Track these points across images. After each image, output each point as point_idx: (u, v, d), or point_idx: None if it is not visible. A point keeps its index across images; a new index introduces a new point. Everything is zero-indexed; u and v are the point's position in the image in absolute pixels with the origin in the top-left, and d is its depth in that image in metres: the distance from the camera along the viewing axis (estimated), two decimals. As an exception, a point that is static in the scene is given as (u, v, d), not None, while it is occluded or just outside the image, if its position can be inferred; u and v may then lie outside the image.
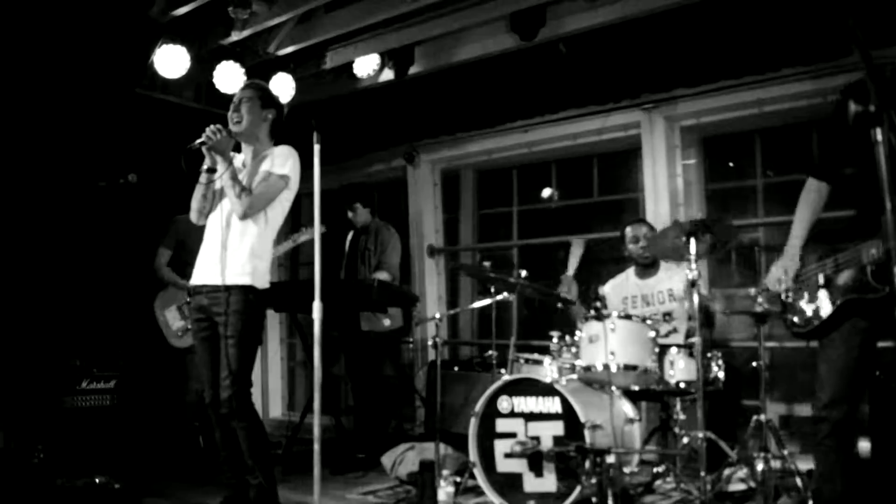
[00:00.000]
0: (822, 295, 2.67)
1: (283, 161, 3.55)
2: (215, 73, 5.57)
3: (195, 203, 3.62)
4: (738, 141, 5.58)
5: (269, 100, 3.73)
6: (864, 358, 2.66)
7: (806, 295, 2.73)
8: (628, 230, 4.71)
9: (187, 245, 4.76)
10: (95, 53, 5.31)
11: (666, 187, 5.36)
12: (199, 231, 3.71)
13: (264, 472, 3.39)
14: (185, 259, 4.68)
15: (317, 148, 3.27)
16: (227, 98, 5.81)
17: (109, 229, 5.47)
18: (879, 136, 1.67)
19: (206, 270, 3.53)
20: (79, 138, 5.38)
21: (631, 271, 4.74)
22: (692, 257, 3.71)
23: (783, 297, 2.84)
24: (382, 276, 5.20)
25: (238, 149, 3.70)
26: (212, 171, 3.49)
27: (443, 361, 4.60)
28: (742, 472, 3.80)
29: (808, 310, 2.70)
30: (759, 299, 3.75)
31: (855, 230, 2.65)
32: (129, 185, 4.53)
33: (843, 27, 1.71)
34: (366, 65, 5.79)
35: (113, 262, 5.55)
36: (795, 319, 2.76)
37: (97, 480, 4.29)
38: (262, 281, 3.50)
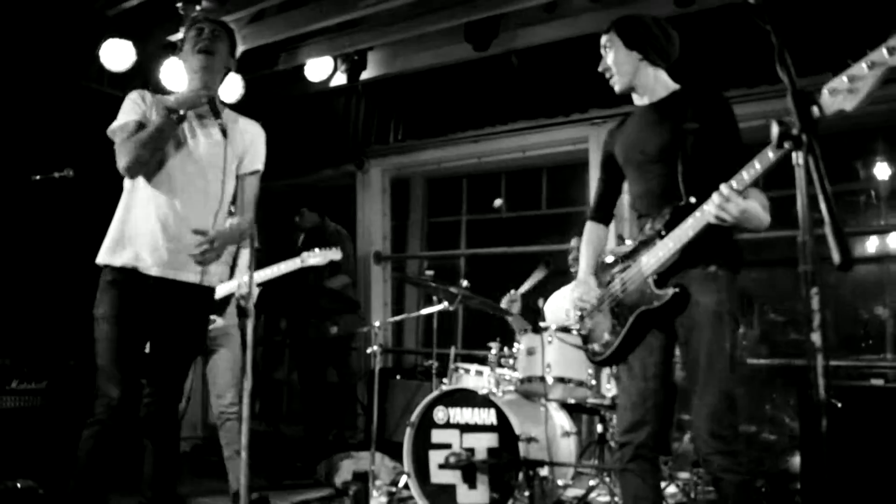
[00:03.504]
0: (615, 317, 2.70)
1: (261, 152, 3.11)
2: (162, 69, 5.47)
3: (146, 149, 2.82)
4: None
5: (233, 47, 3.14)
6: (664, 374, 2.61)
7: (603, 320, 2.75)
8: (573, 241, 4.73)
9: None
10: (38, 44, 5.18)
11: (612, 202, 5.39)
12: None
13: None
14: None
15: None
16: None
17: (44, 225, 5.32)
18: (800, 160, 1.68)
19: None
20: (17, 130, 5.22)
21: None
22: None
23: (579, 329, 2.87)
24: (339, 281, 5.16)
25: None
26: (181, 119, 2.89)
27: (385, 369, 4.58)
28: (674, 486, 3.83)
29: (605, 335, 2.71)
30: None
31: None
32: (66, 179, 4.40)
33: (775, 49, 1.71)
34: (318, 68, 5.74)
35: (49, 260, 5.40)
36: (596, 348, 2.76)
37: (19, 485, 4.14)
38: None
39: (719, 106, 2.63)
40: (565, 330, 3.94)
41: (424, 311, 4.60)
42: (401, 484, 3.92)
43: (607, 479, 3.99)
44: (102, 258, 2.88)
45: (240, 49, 5.51)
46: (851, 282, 5.20)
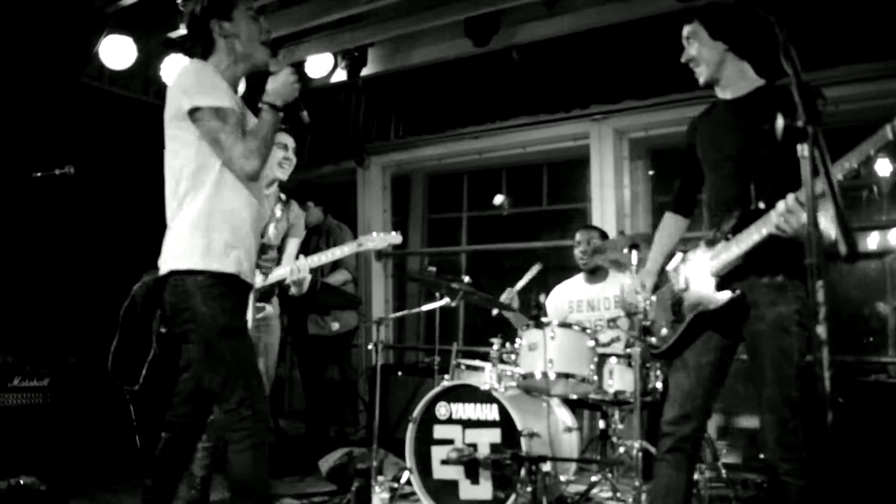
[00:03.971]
0: (674, 313, 2.70)
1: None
2: (162, 66, 5.47)
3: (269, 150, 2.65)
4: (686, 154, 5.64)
5: None
6: (715, 376, 2.63)
7: (662, 315, 2.76)
8: (578, 234, 4.73)
9: None
10: (37, 40, 5.17)
11: (613, 198, 5.40)
12: None
13: None
14: None
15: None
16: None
17: (45, 222, 5.31)
18: (806, 152, 1.68)
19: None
20: (17, 128, 5.21)
21: (581, 276, 4.76)
22: (633, 269, 3.73)
23: (643, 320, 2.87)
24: (341, 276, 5.16)
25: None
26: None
27: (387, 366, 4.58)
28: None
29: (664, 330, 2.72)
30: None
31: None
32: (67, 176, 4.40)
33: (777, 42, 1.71)
34: (318, 64, 5.74)
35: (50, 256, 5.40)
36: (654, 341, 2.77)
37: (22, 482, 4.14)
38: None
39: None
40: (566, 325, 3.93)
41: (426, 308, 4.60)
42: (403, 480, 3.92)
43: (609, 475, 3.99)
44: (208, 263, 2.49)
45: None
46: (853, 277, 5.19)
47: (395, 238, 4.13)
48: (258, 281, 3.65)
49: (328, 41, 5.59)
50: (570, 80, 5.24)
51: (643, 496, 3.59)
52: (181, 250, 2.50)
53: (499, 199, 6.46)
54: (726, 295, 2.47)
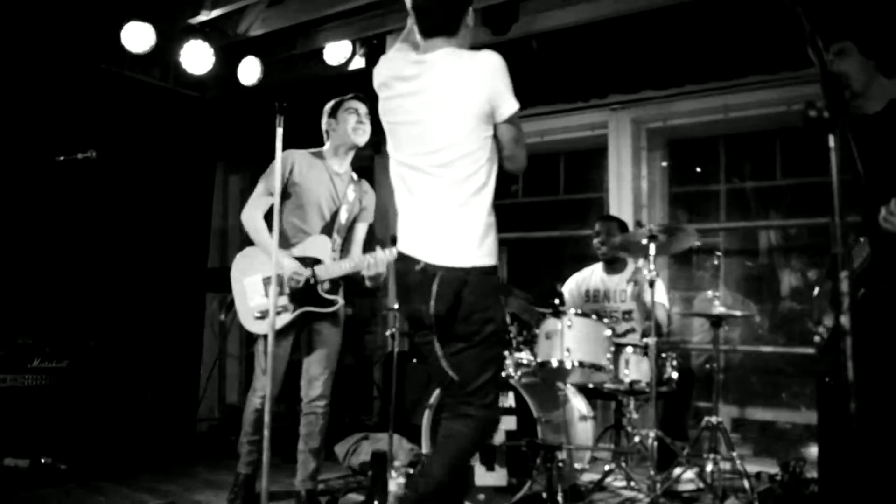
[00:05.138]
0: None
1: None
2: (182, 53, 5.49)
3: None
4: (704, 145, 5.63)
5: None
6: None
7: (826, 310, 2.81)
8: (596, 225, 4.74)
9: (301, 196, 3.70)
10: (58, 26, 5.21)
11: (630, 188, 5.39)
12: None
13: None
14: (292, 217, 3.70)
15: (279, 132, 3.21)
16: (195, 78, 5.84)
17: (67, 206, 5.37)
18: (832, 143, 1.68)
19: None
20: (38, 111, 5.27)
21: (599, 266, 4.77)
22: (651, 258, 3.75)
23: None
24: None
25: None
26: None
27: (403, 353, 4.59)
28: (691, 472, 3.84)
29: (824, 325, 2.78)
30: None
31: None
32: (89, 160, 4.44)
33: (801, 33, 1.71)
34: (337, 51, 5.73)
35: (72, 240, 5.46)
36: (816, 339, 2.82)
37: (42, 461, 4.22)
38: None
39: None
40: (584, 315, 3.94)
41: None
42: (419, 465, 3.95)
43: (623, 464, 4.01)
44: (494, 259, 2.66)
45: (258, 31, 5.54)
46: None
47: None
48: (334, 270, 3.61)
49: (347, 28, 5.59)
50: (588, 69, 5.23)
51: (657, 485, 3.63)
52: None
53: (512, 188, 6.47)
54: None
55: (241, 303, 3.71)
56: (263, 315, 3.57)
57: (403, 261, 2.64)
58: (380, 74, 2.72)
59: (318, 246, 3.65)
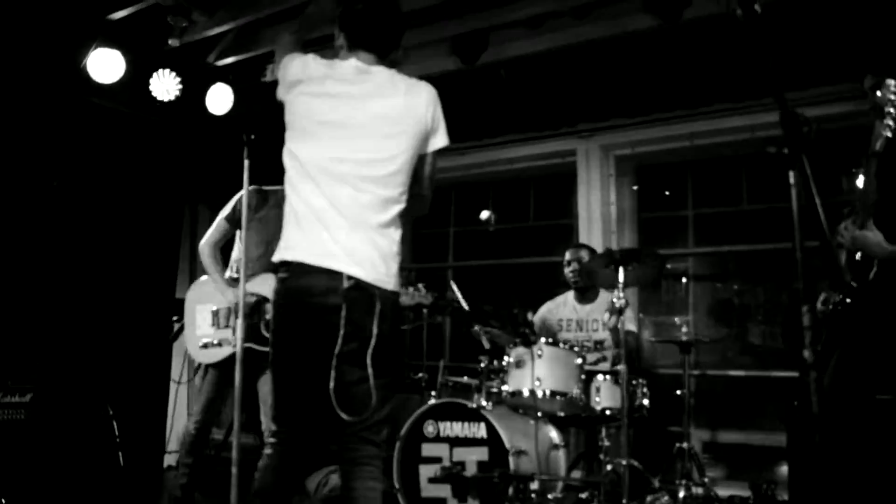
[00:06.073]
0: None
1: None
2: (152, 81, 5.45)
3: None
4: (671, 172, 5.70)
5: None
6: None
7: None
8: (567, 253, 4.75)
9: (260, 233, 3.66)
10: (24, 52, 5.14)
11: (599, 214, 5.44)
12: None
13: None
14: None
15: (246, 163, 3.19)
16: (163, 106, 5.79)
17: (30, 235, 5.27)
18: (792, 179, 1.71)
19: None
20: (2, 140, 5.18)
21: (570, 295, 4.78)
22: (620, 285, 3.77)
23: None
24: None
25: None
26: None
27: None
28: (664, 498, 3.84)
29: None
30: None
31: None
32: (53, 189, 4.37)
33: (763, 69, 1.75)
34: (306, 80, 5.72)
35: (35, 270, 5.35)
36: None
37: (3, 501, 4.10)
38: None
39: None
40: (554, 343, 3.95)
41: (414, 325, 4.60)
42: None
43: (597, 493, 3.99)
44: None
45: (229, 60, 5.52)
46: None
47: (425, 298, 4.13)
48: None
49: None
50: (557, 97, 5.28)
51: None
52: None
53: (485, 214, 6.49)
54: None
55: (190, 331, 3.76)
56: (207, 345, 3.64)
57: (314, 274, 2.34)
58: (306, 68, 2.53)
59: (266, 283, 3.51)
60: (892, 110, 2.72)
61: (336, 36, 2.61)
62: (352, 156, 2.42)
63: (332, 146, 2.44)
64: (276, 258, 2.46)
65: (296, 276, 2.37)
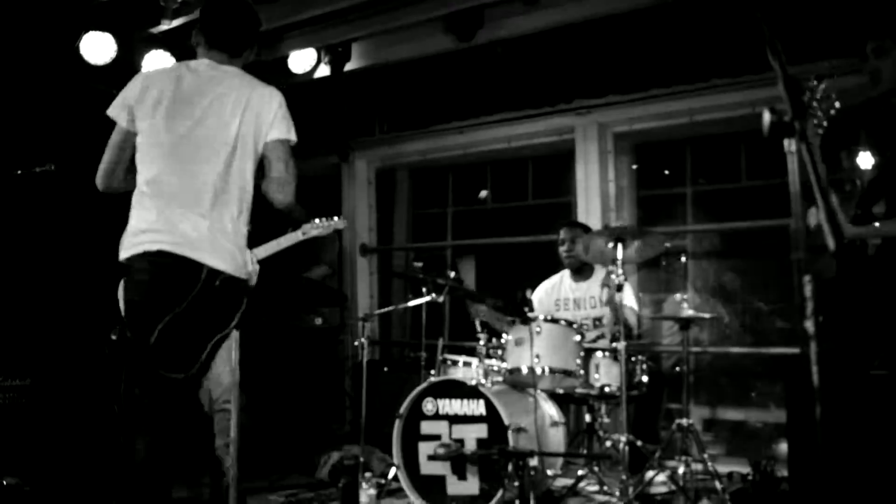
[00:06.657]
0: None
1: None
2: (144, 62, 5.41)
3: None
4: (670, 149, 5.68)
5: None
6: None
7: None
8: (561, 232, 4.73)
9: None
10: (16, 36, 5.10)
11: (598, 192, 5.41)
12: None
13: None
14: None
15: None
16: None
17: (26, 220, 5.24)
18: (793, 147, 1.68)
19: None
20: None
21: (566, 273, 4.76)
22: (619, 262, 3.75)
23: None
24: (320, 270, 5.13)
25: None
26: None
27: (373, 361, 4.56)
28: (664, 474, 3.85)
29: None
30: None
31: None
32: (48, 173, 4.34)
33: (762, 37, 1.72)
34: (301, 59, 5.69)
35: (33, 254, 5.33)
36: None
37: (5, 482, 4.10)
38: None
39: None
40: (553, 320, 3.94)
41: (412, 303, 4.59)
42: (390, 476, 3.91)
43: (596, 469, 4.00)
44: None
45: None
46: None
47: (339, 223, 4.13)
48: None
49: (311, 36, 5.54)
50: (554, 74, 5.25)
51: (630, 489, 3.62)
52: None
53: (483, 193, 6.47)
54: None
55: None
56: None
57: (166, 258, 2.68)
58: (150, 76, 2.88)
59: None
60: (819, 113, 2.65)
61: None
62: (197, 145, 2.74)
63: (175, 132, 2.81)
64: None
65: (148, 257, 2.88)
